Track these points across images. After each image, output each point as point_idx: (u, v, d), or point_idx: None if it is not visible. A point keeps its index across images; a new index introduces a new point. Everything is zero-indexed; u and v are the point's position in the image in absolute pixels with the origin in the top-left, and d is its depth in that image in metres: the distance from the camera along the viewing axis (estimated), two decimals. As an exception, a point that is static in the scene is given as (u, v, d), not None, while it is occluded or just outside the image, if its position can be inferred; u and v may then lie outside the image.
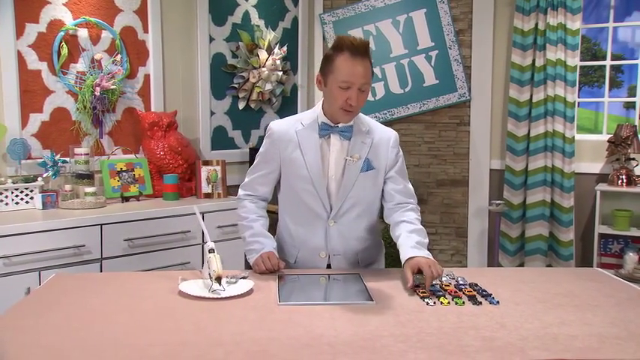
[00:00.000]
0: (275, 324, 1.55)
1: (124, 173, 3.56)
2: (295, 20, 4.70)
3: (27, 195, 3.20)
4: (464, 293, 1.83)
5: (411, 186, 2.28)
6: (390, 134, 2.25)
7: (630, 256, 4.10)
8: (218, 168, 3.74)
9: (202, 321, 1.56)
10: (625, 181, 4.09)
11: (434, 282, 1.90)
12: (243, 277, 1.95)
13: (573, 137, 4.25)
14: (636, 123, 4.30)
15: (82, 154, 3.37)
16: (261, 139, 4.47)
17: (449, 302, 1.75)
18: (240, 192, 2.32)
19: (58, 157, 3.30)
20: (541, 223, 4.35)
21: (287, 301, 1.74)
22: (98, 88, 3.49)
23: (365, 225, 2.24)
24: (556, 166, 4.29)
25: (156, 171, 3.69)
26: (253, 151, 4.30)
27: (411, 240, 2.04)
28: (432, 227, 4.73)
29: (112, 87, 3.55)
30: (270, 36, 4.39)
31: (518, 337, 1.48)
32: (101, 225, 3.05)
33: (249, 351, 1.37)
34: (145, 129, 3.67)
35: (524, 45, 4.34)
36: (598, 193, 4.08)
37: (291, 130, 2.19)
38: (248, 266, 2.20)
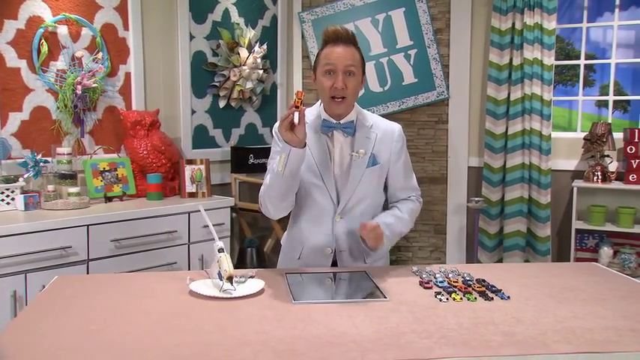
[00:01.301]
0: (295, 322, 1.54)
1: (106, 173, 3.50)
2: (274, 18, 4.68)
3: (8, 196, 3.12)
4: (473, 289, 1.85)
5: (414, 179, 2.31)
6: (394, 127, 2.26)
7: (605, 251, 4.21)
8: (202, 167, 3.71)
9: (222, 321, 1.54)
10: (600, 177, 4.20)
11: (442, 278, 1.94)
12: (251, 277, 1.93)
13: (550, 135, 4.34)
14: (609, 120, 4.42)
15: (64, 154, 3.31)
16: (241, 137, 4.46)
17: (461, 298, 1.76)
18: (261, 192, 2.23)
19: (39, 156, 3.22)
20: (519, 219, 4.43)
21: (301, 299, 1.73)
22: (79, 87, 3.42)
23: (371, 220, 2.24)
24: (533, 163, 4.37)
25: (139, 170, 3.64)
26: (234, 150, 4.28)
27: (381, 216, 2.17)
28: (412, 224, 4.76)
29: (94, 85, 3.49)
30: (250, 34, 4.37)
31: (537, 331, 1.50)
32: (88, 226, 3.00)
33: (276, 350, 1.36)
34: (127, 128, 3.61)
35: (501, 44, 4.41)
36: (575, 189, 4.17)
37: None
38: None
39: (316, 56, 2.15)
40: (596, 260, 4.27)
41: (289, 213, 2.27)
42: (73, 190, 3.22)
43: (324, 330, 1.50)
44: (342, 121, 2.16)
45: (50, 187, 3.22)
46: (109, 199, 3.44)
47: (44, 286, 2.74)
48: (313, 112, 2.21)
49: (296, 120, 1.91)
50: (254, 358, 1.32)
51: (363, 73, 2.15)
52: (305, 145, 1.98)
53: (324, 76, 2.08)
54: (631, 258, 4.15)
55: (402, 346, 1.41)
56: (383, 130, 2.23)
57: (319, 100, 2.22)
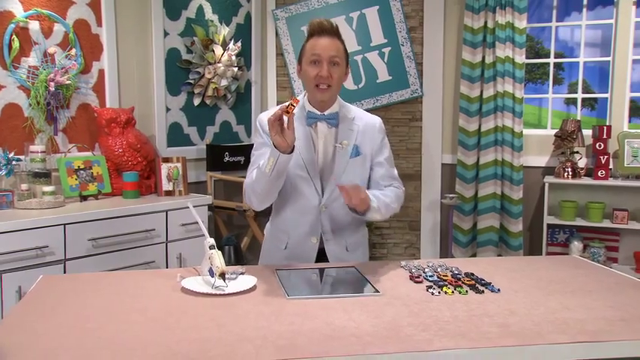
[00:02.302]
0: (292, 317, 1.54)
1: (81, 171, 3.43)
2: (248, 16, 4.66)
3: (-20, 195, 3.04)
4: (463, 283, 1.87)
5: (396, 171, 2.36)
6: (375, 120, 2.33)
7: (575, 245, 4.31)
8: (179, 165, 3.67)
9: (219, 317, 1.53)
10: (570, 173, 4.29)
11: (431, 272, 1.96)
12: (242, 273, 1.92)
13: (521, 132, 4.42)
14: (578, 118, 4.52)
15: (38, 152, 3.23)
16: (216, 135, 4.43)
17: (452, 292, 1.78)
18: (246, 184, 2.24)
19: (11, 155, 3.14)
20: (492, 215, 4.50)
21: (295, 295, 1.73)
22: (52, 83, 3.35)
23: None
24: (506, 160, 4.45)
25: (114, 169, 3.58)
26: (209, 148, 4.25)
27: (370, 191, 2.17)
28: (386, 221, 4.80)
29: (67, 82, 3.42)
30: (224, 31, 4.34)
31: (531, 323, 1.53)
32: (64, 225, 2.94)
33: (277, 345, 1.36)
34: (102, 126, 3.55)
35: (474, 42, 4.47)
36: (546, 185, 4.26)
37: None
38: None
39: (301, 48, 2.19)
40: (567, 254, 4.36)
41: (273, 203, 2.31)
42: (48, 188, 3.16)
43: (322, 324, 1.50)
44: (326, 113, 2.20)
45: (24, 186, 3.15)
46: (84, 198, 3.38)
47: (20, 287, 2.71)
48: (298, 104, 2.21)
49: (285, 124, 1.94)
50: (256, 353, 1.32)
51: (347, 65, 2.21)
52: (293, 150, 2.02)
53: (309, 66, 2.13)
54: (600, 252, 4.25)
55: (401, 338, 1.42)
56: (365, 123, 2.28)
57: (303, 93, 2.26)
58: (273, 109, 2.26)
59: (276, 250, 2.30)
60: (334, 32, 2.14)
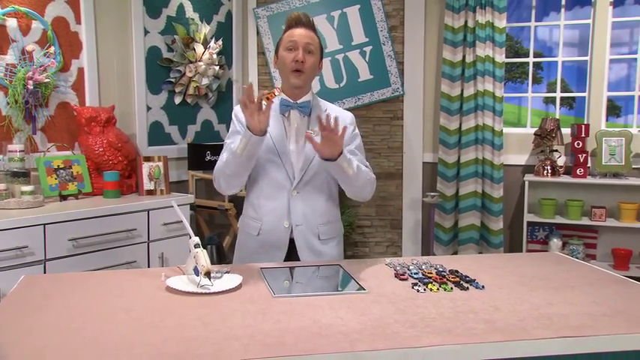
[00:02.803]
0: (279, 315, 1.54)
1: (61, 171, 3.39)
2: (229, 14, 4.64)
3: (-43, 195, 2.99)
4: (448, 280, 1.88)
5: (367, 161, 2.38)
6: (348, 114, 2.42)
7: (555, 242, 4.36)
8: (160, 164, 3.64)
9: (205, 316, 1.52)
10: (550, 171, 4.34)
11: (416, 270, 1.97)
12: (227, 272, 1.91)
13: (502, 130, 4.46)
14: (557, 116, 4.57)
15: (16, 151, 3.18)
16: (197, 134, 4.41)
17: (437, 289, 1.79)
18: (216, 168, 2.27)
19: (-11, 154, 3.10)
20: (473, 213, 4.53)
21: (281, 293, 1.73)
22: (31, 82, 3.30)
23: (325, 197, 2.34)
24: (486, 158, 4.48)
25: (94, 168, 3.54)
26: (191, 147, 4.22)
27: None
28: (368, 220, 4.82)
29: (46, 80, 3.37)
30: (205, 29, 4.32)
31: (516, 318, 1.54)
32: (44, 225, 2.90)
33: (265, 342, 1.36)
34: (81, 124, 3.50)
35: (454, 42, 4.50)
36: (526, 183, 4.30)
37: None
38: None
39: (279, 40, 2.31)
40: (546, 252, 4.41)
41: (245, 197, 2.39)
42: (27, 188, 3.11)
43: (310, 322, 1.50)
44: (299, 101, 2.28)
45: (2, 186, 3.10)
46: (64, 198, 3.34)
47: (0, 288, 2.67)
48: None
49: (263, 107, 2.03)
50: (244, 351, 1.31)
51: (321, 59, 2.33)
52: (265, 134, 2.09)
53: (285, 51, 2.24)
54: (579, 249, 4.31)
55: (388, 335, 1.42)
56: (336, 114, 2.28)
57: (277, 84, 2.30)
58: None
59: (249, 238, 2.34)
60: (310, 25, 2.28)
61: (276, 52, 2.31)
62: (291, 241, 2.29)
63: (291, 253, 2.28)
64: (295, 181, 2.26)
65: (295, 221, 2.27)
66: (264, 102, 2.01)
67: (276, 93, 2.05)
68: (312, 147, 2.18)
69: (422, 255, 4.75)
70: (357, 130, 2.40)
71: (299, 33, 2.23)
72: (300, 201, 2.28)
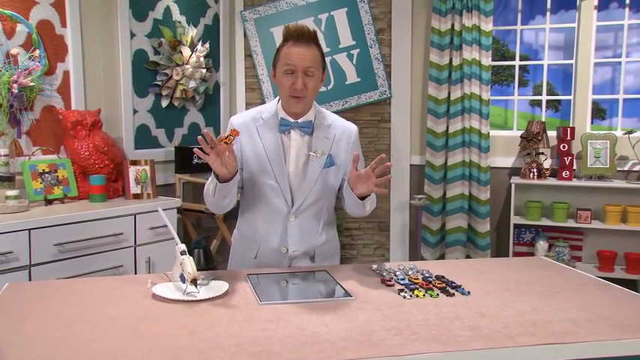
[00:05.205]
0: (265, 323, 1.54)
1: (46, 175, 3.37)
2: (216, 17, 4.63)
3: (-59, 200, 2.96)
4: (434, 286, 1.89)
5: None
6: (352, 128, 2.28)
7: (541, 244, 4.39)
8: (147, 168, 3.63)
9: (191, 324, 1.52)
10: (536, 174, 4.37)
11: (402, 276, 1.98)
12: (213, 279, 1.91)
13: (488, 133, 4.49)
14: (543, 119, 4.60)
15: (0, 155, 3.16)
16: (185, 137, 4.39)
17: (424, 295, 1.80)
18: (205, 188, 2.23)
19: (-26, 158, 3.07)
20: (460, 215, 4.55)
21: (267, 300, 1.73)
22: (15, 85, 3.27)
23: (324, 220, 2.26)
24: (473, 160, 4.50)
25: (80, 172, 3.52)
26: (178, 150, 4.21)
27: None
28: (355, 222, 4.83)
29: (31, 84, 3.34)
30: (192, 32, 4.31)
31: (500, 325, 1.55)
32: (29, 230, 2.87)
33: (251, 351, 1.36)
34: (67, 128, 3.48)
35: (441, 45, 4.52)
36: (512, 185, 4.32)
37: (251, 126, 2.19)
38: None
39: (276, 51, 2.13)
40: (532, 254, 4.45)
41: (239, 209, 2.31)
42: (11, 193, 3.08)
43: (296, 330, 1.50)
44: (299, 120, 2.16)
45: (-14, 191, 3.08)
46: (49, 202, 3.31)
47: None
48: (271, 110, 2.20)
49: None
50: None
51: (324, 70, 2.16)
52: (236, 174, 2.01)
53: (283, 76, 2.07)
54: (564, 251, 4.34)
55: (374, 343, 1.42)
56: (341, 131, 2.24)
57: (277, 98, 2.22)
58: (246, 113, 2.27)
59: (245, 259, 2.27)
60: (311, 38, 2.08)
61: (274, 65, 2.13)
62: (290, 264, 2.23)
63: None
64: (294, 207, 2.17)
65: (293, 247, 2.20)
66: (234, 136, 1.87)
67: (234, 136, 1.86)
68: (313, 170, 2.14)
69: (409, 257, 4.77)
70: (360, 148, 2.29)
71: (298, 54, 2.03)
72: (297, 226, 2.19)
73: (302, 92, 2.06)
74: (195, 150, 1.93)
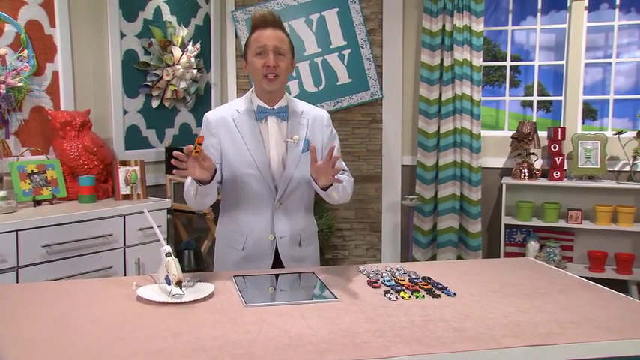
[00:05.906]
0: (249, 326, 1.53)
1: (35, 176, 3.35)
2: (207, 17, 4.62)
3: None
4: (420, 287, 1.89)
5: (344, 164, 2.38)
6: (323, 114, 2.35)
7: (532, 245, 4.40)
8: (137, 168, 3.62)
9: (175, 326, 1.51)
10: (527, 174, 4.37)
11: (389, 277, 1.97)
12: (199, 281, 1.90)
13: (479, 134, 4.49)
14: (534, 120, 4.61)
15: (-12, 156, 3.15)
16: (175, 138, 4.38)
17: (409, 296, 1.80)
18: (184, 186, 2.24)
19: (-39, 159, 3.06)
20: (452, 215, 4.56)
21: (252, 302, 1.72)
22: (3, 86, 3.26)
23: (305, 206, 2.32)
24: (464, 161, 4.51)
25: (69, 173, 3.51)
26: (168, 151, 4.19)
27: None
28: (347, 223, 4.82)
29: (19, 84, 3.33)
30: (183, 33, 4.30)
31: (485, 326, 1.55)
32: (17, 231, 2.86)
33: (233, 354, 1.35)
34: (56, 129, 3.47)
35: (432, 45, 4.52)
36: (504, 186, 4.33)
37: (228, 118, 2.23)
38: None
39: (246, 42, 2.21)
40: (523, 254, 4.46)
41: (221, 207, 2.35)
42: (0, 194, 3.07)
43: (279, 332, 1.49)
44: (275, 107, 2.22)
45: (-26, 192, 3.06)
46: (38, 203, 3.30)
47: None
48: (245, 102, 2.26)
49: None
50: (212, 363, 1.30)
51: (293, 56, 2.23)
52: (215, 176, 2.04)
53: (255, 57, 2.15)
54: (555, 251, 4.35)
55: (358, 345, 1.42)
56: (313, 116, 2.30)
57: (249, 90, 2.27)
58: (220, 108, 2.32)
59: (232, 252, 2.28)
60: (277, 24, 2.17)
61: (245, 56, 2.22)
62: (275, 251, 2.25)
63: (275, 262, 2.25)
64: (279, 194, 2.21)
65: (280, 233, 2.23)
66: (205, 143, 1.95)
67: (200, 143, 1.87)
68: (292, 156, 2.19)
69: (401, 258, 4.77)
70: (334, 131, 2.36)
71: (267, 36, 2.13)
72: (283, 213, 2.23)
73: (275, 69, 2.12)
74: (175, 172, 1.97)
